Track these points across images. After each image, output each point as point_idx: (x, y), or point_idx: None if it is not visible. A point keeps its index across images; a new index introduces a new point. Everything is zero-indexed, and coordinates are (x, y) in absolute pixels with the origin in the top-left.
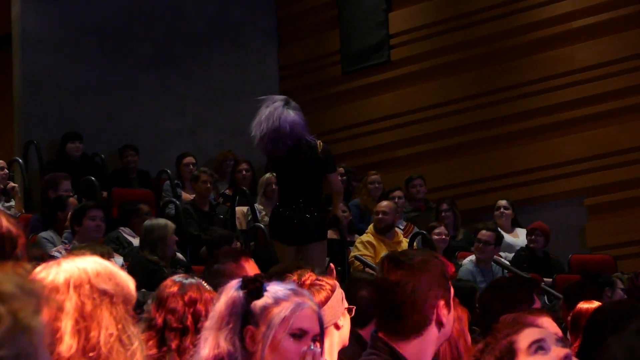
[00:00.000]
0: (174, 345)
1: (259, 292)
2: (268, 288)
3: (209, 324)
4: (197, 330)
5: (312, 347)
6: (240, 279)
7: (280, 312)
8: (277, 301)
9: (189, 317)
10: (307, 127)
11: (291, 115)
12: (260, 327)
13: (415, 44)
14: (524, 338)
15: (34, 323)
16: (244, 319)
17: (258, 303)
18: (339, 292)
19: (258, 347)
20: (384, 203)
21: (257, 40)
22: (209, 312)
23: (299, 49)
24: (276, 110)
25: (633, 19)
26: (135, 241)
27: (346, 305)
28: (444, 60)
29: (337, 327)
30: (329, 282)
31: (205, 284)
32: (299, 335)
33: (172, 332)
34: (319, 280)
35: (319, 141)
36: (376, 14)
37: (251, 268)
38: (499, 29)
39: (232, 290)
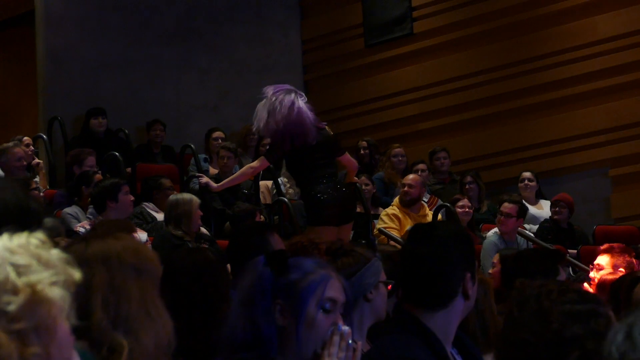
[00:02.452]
0: None
1: (284, 267)
2: (292, 262)
3: (237, 300)
4: None
5: (340, 327)
6: (263, 255)
7: (309, 283)
8: (305, 274)
9: None
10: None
11: (303, 104)
12: (289, 301)
13: (438, 16)
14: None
15: (52, 294)
16: (273, 294)
17: (285, 277)
18: (375, 265)
19: (289, 321)
20: (410, 176)
21: (279, 13)
22: None
23: (322, 22)
24: (294, 104)
25: None
26: (159, 216)
27: (384, 278)
28: (466, 32)
29: (367, 299)
30: (366, 253)
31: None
32: (328, 308)
33: None
34: (353, 250)
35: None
36: None
37: (276, 242)
38: (520, 0)
39: (257, 266)
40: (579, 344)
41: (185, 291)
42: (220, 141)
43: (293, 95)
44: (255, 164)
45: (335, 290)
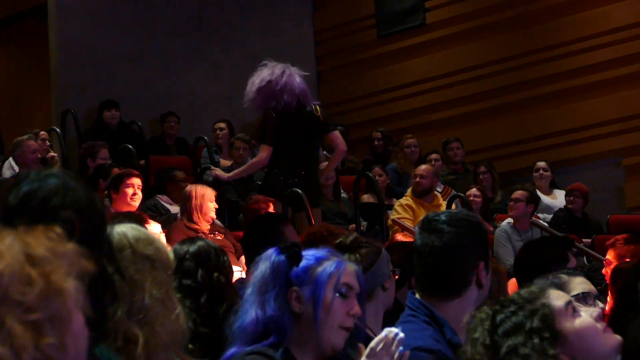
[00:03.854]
0: None
1: (298, 257)
2: (305, 253)
3: (250, 290)
4: None
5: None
6: (276, 247)
7: (324, 269)
8: (319, 261)
9: None
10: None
11: (296, 74)
12: (306, 287)
13: (450, 6)
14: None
15: (67, 285)
16: (287, 282)
17: (300, 265)
18: (385, 255)
19: (306, 308)
20: (423, 167)
21: (292, 4)
22: None
23: (334, 13)
24: (289, 68)
25: None
26: (173, 208)
27: (391, 267)
28: (479, 22)
29: (384, 288)
30: (376, 244)
31: None
32: (344, 292)
33: None
34: (367, 242)
35: (316, 105)
36: None
37: (290, 233)
38: None
39: (271, 255)
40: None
41: (191, 276)
42: (218, 132)
43: (285, 66)
44: (260, 154)
45: (350, 276)
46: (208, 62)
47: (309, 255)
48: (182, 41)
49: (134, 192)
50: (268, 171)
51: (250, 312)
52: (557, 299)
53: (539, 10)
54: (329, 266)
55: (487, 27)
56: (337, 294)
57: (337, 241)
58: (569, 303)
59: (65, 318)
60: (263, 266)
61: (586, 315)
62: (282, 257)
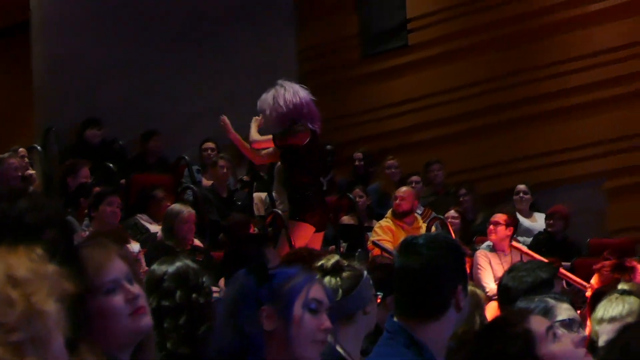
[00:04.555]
0: None
1: (266, 276)
2: (275, 271)
3: (222, 311)
4: None
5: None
6: (245, 268)
7: (293, 285)
8: (288, 278)
9: None
10: None
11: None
12: (275, 304)
13: (433, 27)
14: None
15: (48, 307)
16: (257, 301)
17: (268, 283)
18: (367, 278)
19: (278, 325)
20: (403, 189)
21: (275, 22)
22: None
23: (318, 32)
24: (299, 91)
25: None
26: (153, 227)
27: (374, 291)
28: (461, 43)
29: (365, 312)
30: (358, 267)
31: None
32: (314, 308)
33: None
34: (349, 265)
35: None
36: None
37: (272, 254)
38: (517, 11)
39: (239, 277)
40: None
41: (169, 297)
42: (210, 152)
43: (297, 86)
44: (269, 149)
45: (319, 291)
46: (192, 79)
47: (278, 273)
48: (166, 57)
49: (112, 210)
50: (293, 189)
51: (223, 333)
52: (538, 324)
53: (521, 32)
54: (297, 283)
55: (469, 49)
56: (307, 310)
57: (319, 264)
58: (549, 328)
59: (46, 339)
60: (233, 287)
61: (566, 341)
62: (251, 277)
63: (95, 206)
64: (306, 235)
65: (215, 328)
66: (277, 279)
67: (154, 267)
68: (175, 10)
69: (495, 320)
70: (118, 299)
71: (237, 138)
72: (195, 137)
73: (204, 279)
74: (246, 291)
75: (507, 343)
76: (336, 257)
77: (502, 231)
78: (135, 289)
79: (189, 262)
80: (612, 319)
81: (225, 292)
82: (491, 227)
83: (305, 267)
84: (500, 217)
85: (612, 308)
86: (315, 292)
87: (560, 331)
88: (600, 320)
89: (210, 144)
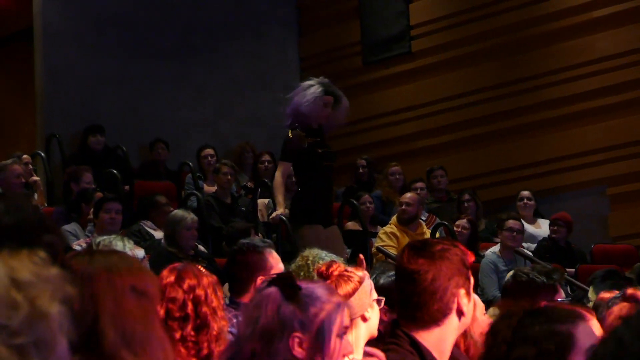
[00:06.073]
0: (177, 335)
1: (294, 293)
2: (304, 290)
3: (249, 333)
4: (198, 316)
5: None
6: (267, 280)
7: (329, 315)
8: (321, 305)
9: (189, 304)
10: None
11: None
12: (308, 334)
13: (435, 34)
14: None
15: (52, 310)
16: (291, 328)
17: (301, 308)
18: (368, 284)
19: (309, 354)
20: (408, 195)
21: (277, 31)
22: (209, 296)
23: (320, 39)
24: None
25: None
26: (157, 234)
27: (375, 296)
28: (464, 51)
29: (364, 319)
30: (358, 273)
31: (202, 269)
32: (343, 334)
33: (175, 322)
34: (348, 271)
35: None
36: (396, 4)
37: (274, 260)
38: (520, 18)
39: (269, 296)
40: None
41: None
42: (209, 158)
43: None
44: (280, 170)
45: (347, 317)
46: (192, 87)
47: (307, 293)
48: (167, 66)
49: (110, 217)
50: (297, 197)
51: (252, 357)
52: (584, 335)
53: (524, 40)
54: (332, 312)
55: (472, 56)
56: (338, 339)
57: (319, 271)
58: (591, 348)
59: (50, 342)
60: (264, 309)
61: None
62: (280, 298)
63: (96, 213)
64: (316, 236)
65: (236, 344)
66: (310, 304)
67: (162, 274)
68: (175, 20)
69: (548, 306)
70: None
71: (282, 202)
72: (195, 145)
73: (212, 288)
74: (282, 316)
75: (545, 336)
76: (334, 264)
77: (521, 239)
78: None
79: (196, 267)
80: None
81: (253, 311)
82: (514, 234)
83: (330, 286)
84: (520, 224)
85: None
86: (346, 318)
87: None
88: None
89: (209, 151)
